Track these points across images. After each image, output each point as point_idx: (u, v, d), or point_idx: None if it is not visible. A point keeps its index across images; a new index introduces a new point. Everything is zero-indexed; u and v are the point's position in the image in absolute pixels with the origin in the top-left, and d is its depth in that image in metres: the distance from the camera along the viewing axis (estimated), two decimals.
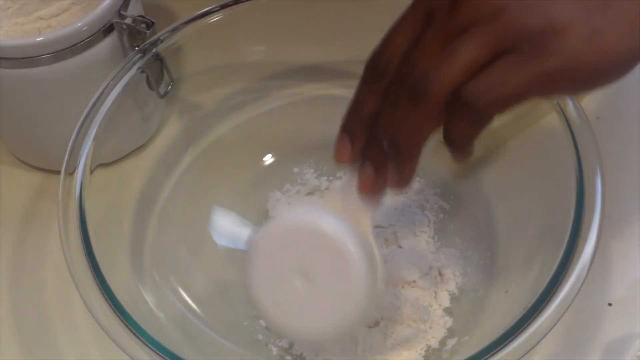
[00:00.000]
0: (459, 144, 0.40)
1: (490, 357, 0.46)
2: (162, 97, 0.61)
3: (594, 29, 0.37)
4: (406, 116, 0.39)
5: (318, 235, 0.43)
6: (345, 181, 0.45)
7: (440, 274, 0.57)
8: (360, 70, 0.66)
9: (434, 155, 0.64)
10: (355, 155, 0.43)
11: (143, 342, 0.47)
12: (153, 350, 0.47)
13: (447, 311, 0.56)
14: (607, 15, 0.37)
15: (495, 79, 0.37)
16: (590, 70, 0.38)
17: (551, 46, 0.37)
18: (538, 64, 0.37)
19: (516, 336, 0.46)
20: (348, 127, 0.43)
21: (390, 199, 0.61)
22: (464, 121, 0.38)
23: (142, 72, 0.58)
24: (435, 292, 0.56)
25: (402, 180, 0.41)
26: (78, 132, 0.55)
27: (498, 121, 0.60)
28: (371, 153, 0.42)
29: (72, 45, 0.56)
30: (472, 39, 0.38)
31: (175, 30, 0.60)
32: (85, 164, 0.54)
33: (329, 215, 0.43)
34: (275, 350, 0.55)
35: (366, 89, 0.42)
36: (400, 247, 0.57)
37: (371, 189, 0.43)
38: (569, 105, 0.54)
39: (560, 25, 0.37)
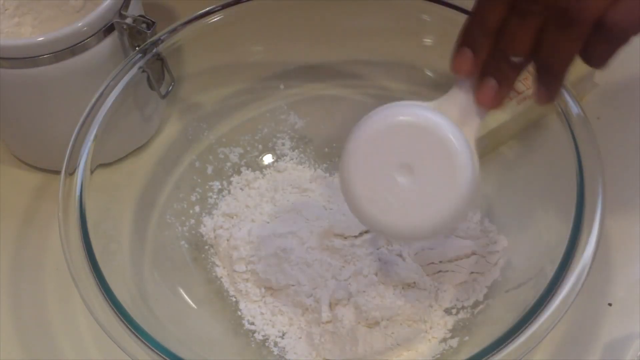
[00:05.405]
0: (598, 62, 0.42)
1: (490, 357, 0.46)
2: (163, 97, 0.61)
3: None
4: (557, 39, 0.41)
5: (420, 130, 0.43)
6: (454, 91, 0.44)
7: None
8: (360, 70, 0.67)
9: None
10: (475, 67, 0.43)
11: (143, 342, 0.47)
12: (153, 350, 0.47)
13: (448, 311, 0.56)
14: None
15: (634, 5, 0.39)
16: None
17: None
18: None
19: (516, 336, 0.46)
20: (469, 39, 0.43)
21: None
22: (606, 43, 0.41)
23: (143, 71, 0.58)
24: (436, 293, 0.56)
25: (552, 97, 0.43)
26: (78, 132, 0.55)
27: (498, 121, 0.61)
28: (495, 66, 0.43)
29: (72, 45, 0.56)
30: None
31: (175, 30, 0.60)
32: (85, 164, 0.54)
33: (430, 111, 0.43)
34: (275, 351, 0.55)
35: (490, 1, 0.42)
36: (400, 247, 0.57)
37: (492, 101, 0.44)
38: (569, 105, 0.54)
39: None
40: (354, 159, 0.44)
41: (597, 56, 0.42)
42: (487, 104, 0.44)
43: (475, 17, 0.43)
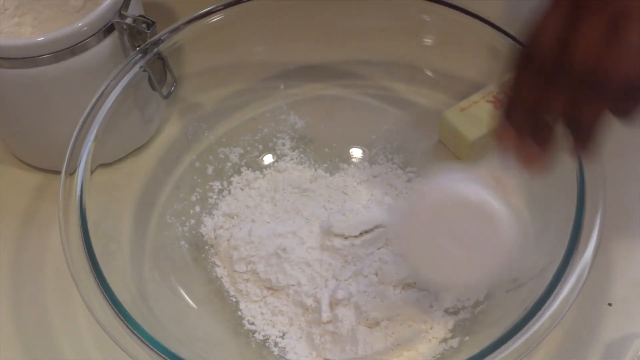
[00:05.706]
0: (627, 116, 0.44)
1: (491, 357, 0.46)
2: (165, 97, 0.61)
3: None
4: (589, 104, 0.43)
5: (466, 204, 0.47)
6: (494, 158, 0.47)
7: None
8: (360, 70, 0.67)
9: (434, 155, 0.64)
10: (517, 137, 0.45)
11: (143, 342, 0.47)
12: (153, 350, 0.47)
13: (448, 311, 0.56)
14: None
15: None
16: None
17: None
18: None
19: (517, 336, 0.46)
20: (509, 112, 0.45)
21: (391, 199, 0.61)
22: (632, 101, 0.43)
23: (144, 71, 0.58)
24: (436, 293, 0.56)
25: (586, 150, 0.45)
26: (79, 132, 0.55)
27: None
28: (534, 132, 0.45)
29: (73, 45, 0.56)
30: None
31: (175, 30, 0.60)
32: (85, 164, 0.54)
33: (474, 184, 0.47)
34: (275, 351, 0.55)
35: (524, 75, 0.44)
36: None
37: (536, 163, 0.46)
38: None
39: None
40: (411, 232, 0.49)
41: (625, 112, 0.44)
42: (532, 165, 0.46)
43: (512, 90, 0.45)
